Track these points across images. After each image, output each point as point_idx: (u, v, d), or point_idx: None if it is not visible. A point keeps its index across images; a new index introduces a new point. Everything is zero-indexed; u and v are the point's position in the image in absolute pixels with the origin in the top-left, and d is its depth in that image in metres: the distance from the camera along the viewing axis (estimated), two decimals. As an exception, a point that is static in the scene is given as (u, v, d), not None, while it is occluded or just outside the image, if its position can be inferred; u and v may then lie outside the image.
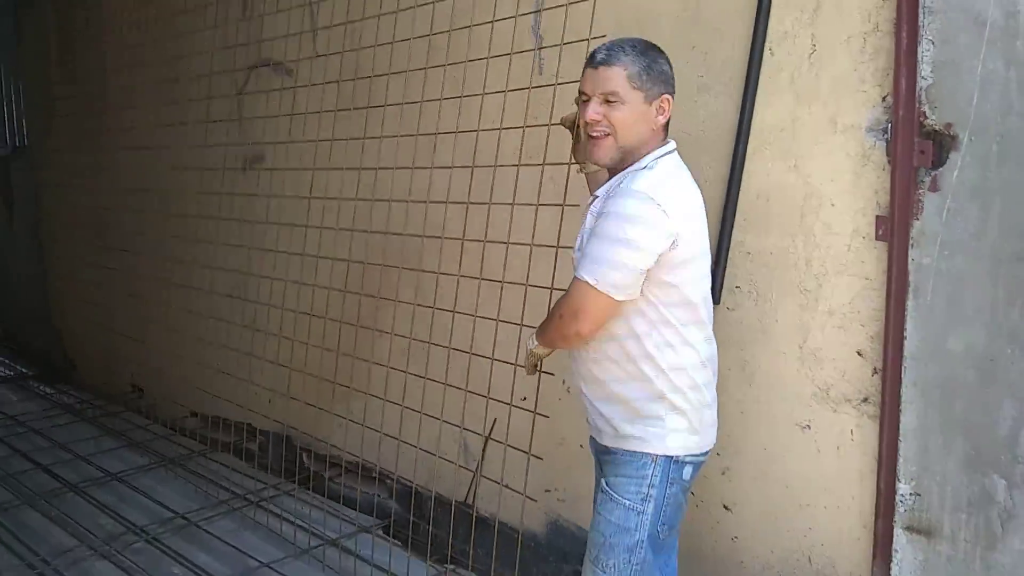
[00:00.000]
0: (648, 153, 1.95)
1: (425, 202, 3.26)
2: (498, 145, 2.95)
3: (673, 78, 1.98)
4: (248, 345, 4.13)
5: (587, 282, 1.86)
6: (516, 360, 2.76)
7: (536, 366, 2.15)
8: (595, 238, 1.88)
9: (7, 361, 6.90)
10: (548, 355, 2.10)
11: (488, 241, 2.97)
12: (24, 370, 6.62)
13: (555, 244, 2.63)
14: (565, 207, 2.63)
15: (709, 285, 2.03)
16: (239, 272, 4.19)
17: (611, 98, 1.90)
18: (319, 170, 3.66)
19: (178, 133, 4.42)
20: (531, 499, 2.81)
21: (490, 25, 2.91)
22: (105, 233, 5.51)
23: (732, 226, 2.40)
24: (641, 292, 1.88)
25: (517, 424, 2.91)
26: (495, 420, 3.17)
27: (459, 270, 3.09)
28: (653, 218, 1.81)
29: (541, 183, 2.74)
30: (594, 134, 1.94)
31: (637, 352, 1.92)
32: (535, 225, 2.75)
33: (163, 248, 4.81)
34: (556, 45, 2.70)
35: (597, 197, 2.00)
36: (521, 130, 2.85)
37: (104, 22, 5.02)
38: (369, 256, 3.59)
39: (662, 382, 1.92)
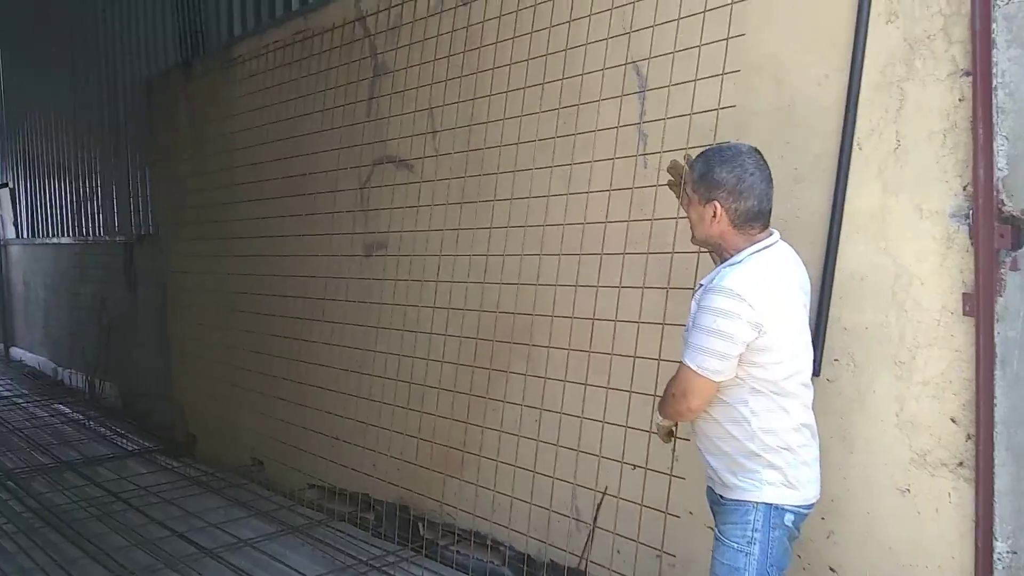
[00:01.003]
0: (742, 249, 2.24)
1: (535, 285, 3.58)
2: (604, 235, 3.26)
3: (733, 186, 2.21)
4: (366, 416, 4.47)
5: (690, 368, 2.19)
6: (626, 423, 3.02)
7: (670, 433, 2.44)
8: (694, 328, 2.19)
9: (132, 436, 7.39)
10: (675, 424, 2.41)
11: (597, 319, 3.25)
12: (148, 444, 7.09)
13: (661, 321, 2.90)
14: (670, 289, 2.90)
15: (805, 359, 2.27)
16: (359, 349, 4.56)
17: (688, 195, 2.31)
18: (437, 256, 4.02)
19: (305, 223, 4.87)
20: (646, 559, 3.02)
21: (594, 131, 3.25)
22: (228, 314, 5.98)
23: (829, 303, 2.62)
24: (736, 369, 2.17)
25: (628, 490, 3.14)
26: (606, 487, 3.39)
27: (568, 344, 3.39)
28: (740, 312, 2.10)
29: (646, 268, 3.03)
30: None
31: (735, 416, 2.22)
32: (641, 303, 3.04)
33: (285, 327, 5.23)
34: (657, 152, 3.02)
35: (701, 286, 2.27)
36: (626, 224, 3.15)
37: (234, 119, 5.54)
38: (482, 333, 3.91)
39: (756, 443, 2.20)
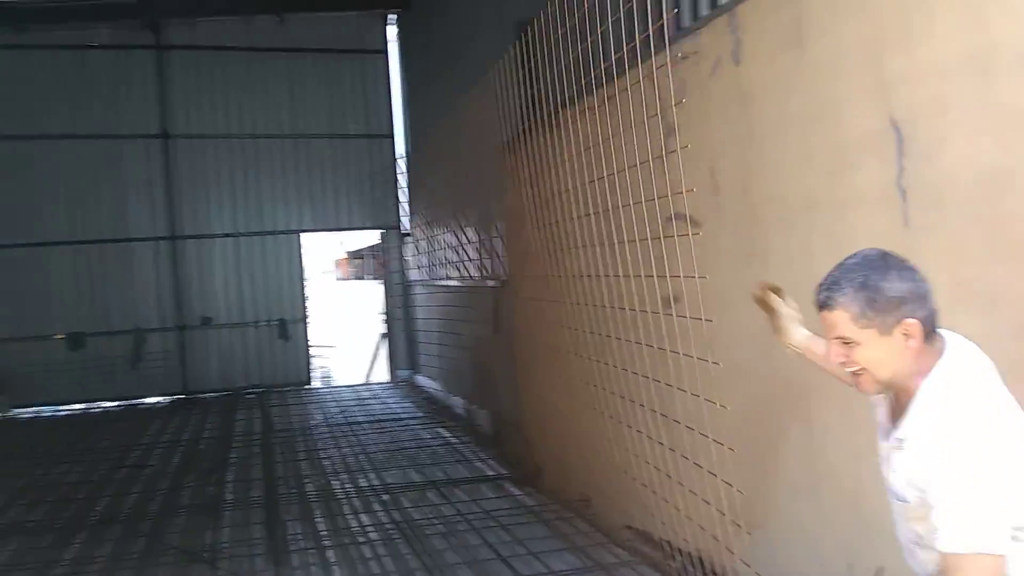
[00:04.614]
0: (934, 363, 1.83)
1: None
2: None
3: (914, 292, 1.81)
4: (669, 465, 4.58)
5: (966, 555, 1.67)
6: None
7: None
8: (951, 504, 1.69)
9: (492, 463, 8.20)
10: None
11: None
12: (503, 472, 7.82)
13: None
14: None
15: None
16: (653, 399, 4.69)
17: (846, 340, 1.85)
18: (718, 313, 4.04)
19: (610, 273, 5.14)
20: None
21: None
22: (562, 356, 6.43)
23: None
24: None
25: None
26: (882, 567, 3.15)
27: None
28: (999, 452, 1.69)
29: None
30: (848, 371, 1.91)
31: None
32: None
33: (605, 373, 5.52)
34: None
35: (900, 440, 1.88)
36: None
37: (560, 191, 6.04)
38: (765, 393, 3.83)
39: None
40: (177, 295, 13.62)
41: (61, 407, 12.89)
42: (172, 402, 13.12)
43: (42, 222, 13.10)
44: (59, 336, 12.98)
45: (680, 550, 4.79)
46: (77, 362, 12.92)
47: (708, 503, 4.27)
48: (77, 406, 12.91)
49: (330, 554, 5.61)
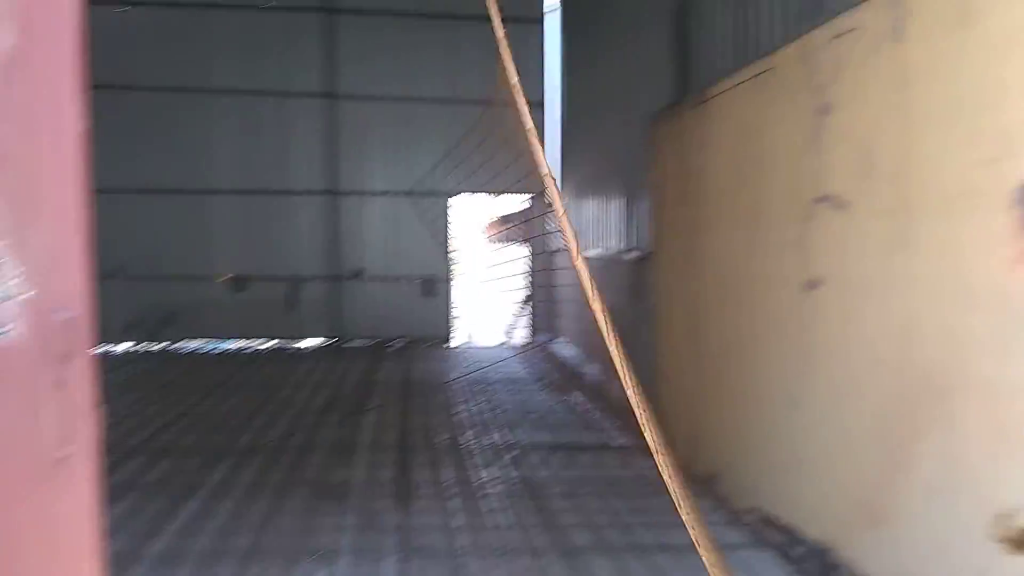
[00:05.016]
0: None
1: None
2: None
3: None
4: (801, 450, 4.49)
5: None
6: None
7: None
8: None
9: (622, 431, 8.22)
10: None
11: None
12: (632, 442, 7.82)
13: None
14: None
15: None
16: (788, 384, 4.59)
17: None
18: (865, 298, 3.91)
19: (752, 253, 5.04)
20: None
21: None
22: (697, 331, 6.38)
23: None
24: None
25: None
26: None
27: None
28: None
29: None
30: None
31: None
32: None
33: (741, 348, 5.44)
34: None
35: None
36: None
37: (705, 167, 5.94)
38: (905, 385, 3.70)
39: None
40: (332, 247, 14.32)
41: (221, 343, 13.94)
42: (321, 347, 13.91)
43: (212, 171, 14.05)
44: (223, 278, 13.95)
45: (804, 538, 4.70)
46: (238, 303, 13.90)
47: (837, 493, 4.18)
48: (235, 343, 13.93)
49: (454, 503, 5.83)
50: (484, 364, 12.45)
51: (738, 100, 5.08)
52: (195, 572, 4.65)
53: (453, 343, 14.87)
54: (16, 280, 1.13)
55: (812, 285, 4.50)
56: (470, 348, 14.82)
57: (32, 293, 1.13)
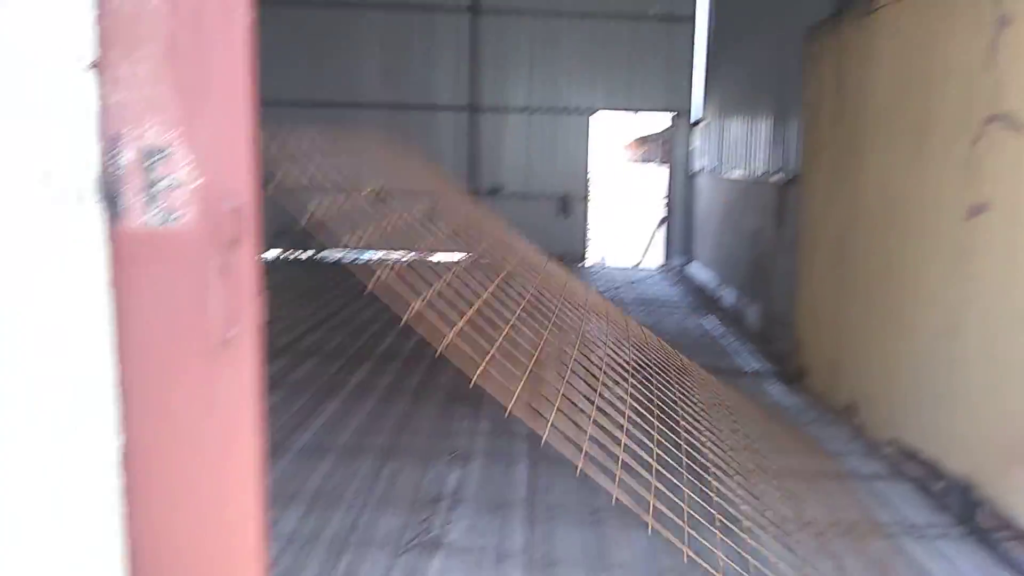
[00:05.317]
0: None
1: None
2: None
3: None
4: (949, 388, 4.29)
5: None
6: None
7: None
8: None
9: (756, 358, 8.08)
10: None
11: None
12: (765, 368, 7.69)
13: None
14: None
15: None
16: (949, 311, 4.36)
17: None
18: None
19: (909, 174, 4.75)
20: None
21: None
22: (845, 257, 6.12)
23: None
24: None
25: None
26: None
27: None
28: None
29: None
30: None
31: None
32: None
33: (890, 274, 5.20)
34: None
35: None
36: None
37: (865, 84, 5.59)
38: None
39: None
40: (471, 163, 14.43)
41: (363, 254, 14.43)
42: (459, 260, 14.19)
43: (358, 85, 14.29)
44: (368, 191, 14.36)
45: (946, 472, 4.53)
46: (381, 215, 14.28)
47: (988, 428, 3.99)
48: (378, 254, 14.38)
49: (579, 419, 5.89)
50: (619, 284, 12.40)
51: (907, 11, 4.72)
52: (337, 465, 4.95)
53: (588, 263, 14.85)
54: (186, 168, 1.20)
55: (977, 210, 4.22)
56: (605, 268, 14.78)
57: (201, 181, 1.20)
